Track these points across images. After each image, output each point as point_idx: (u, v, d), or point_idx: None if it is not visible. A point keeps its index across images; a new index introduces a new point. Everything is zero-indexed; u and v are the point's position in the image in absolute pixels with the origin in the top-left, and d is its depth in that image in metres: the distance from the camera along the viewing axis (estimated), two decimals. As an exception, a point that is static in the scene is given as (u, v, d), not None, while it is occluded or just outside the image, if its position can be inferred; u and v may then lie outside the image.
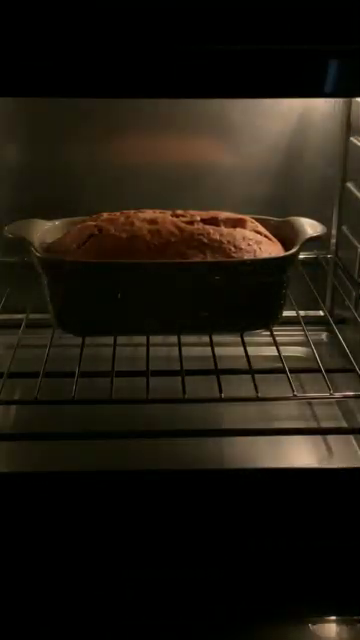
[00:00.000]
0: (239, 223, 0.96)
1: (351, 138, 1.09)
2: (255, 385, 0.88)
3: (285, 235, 0.98)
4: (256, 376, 0.89)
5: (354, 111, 1.07)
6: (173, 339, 1.00)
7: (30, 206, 1.05)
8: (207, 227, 0.92)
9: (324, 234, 0.98)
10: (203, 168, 1.11)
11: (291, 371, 0.91)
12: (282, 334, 1.03)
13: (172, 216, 0.95)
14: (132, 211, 0.96)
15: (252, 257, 0.91)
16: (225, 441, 0.90)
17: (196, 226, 0.92)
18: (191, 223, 0.93)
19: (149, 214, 0.95)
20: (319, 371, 0.92)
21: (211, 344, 0.97)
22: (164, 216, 0.94)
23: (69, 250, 0.93)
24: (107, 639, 0.77)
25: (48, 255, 0.93)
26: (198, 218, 0.94)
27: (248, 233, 0.94)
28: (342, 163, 1.11)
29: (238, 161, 1.11)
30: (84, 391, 0.88)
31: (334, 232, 1.16)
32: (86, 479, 0.83)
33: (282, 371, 0.91)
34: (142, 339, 0.99)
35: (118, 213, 0.96)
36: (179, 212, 0.96)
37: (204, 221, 0.94)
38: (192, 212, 0.96)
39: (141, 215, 0.95)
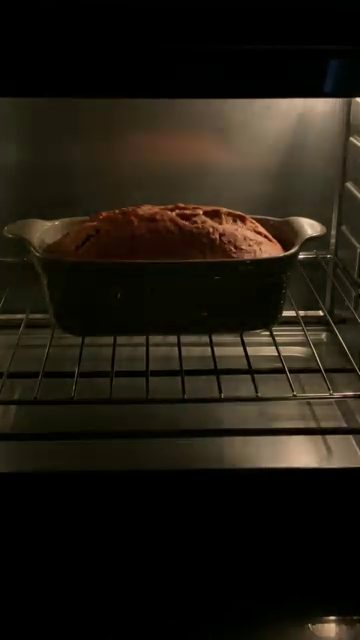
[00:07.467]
0: (240, 217, 0.96)
1: (351, 138, 1.09)
2: (255, 385, 0.88)
3: (285, 235, 0.98)
4: (256, 376, 0.89)
5: (354, 111, 1.07)
6: (173, 339, 0.99)
7: (30, 206, 1.05)
8: (207, 226, 0.92)
9: (324, 234, 0.98)
10: (203, 168, 1.11)
11: (291, 371, 0.91)
12: (282, 334, 1.03)
13: (174, 210, 0.95)
14: (130, 208, 0.95)
15: (252, 257, 0.91)
16: (225, 441, 0.90)
17: (196, 224, 0.92)
18: (193, 216, 0.93)
19: (148, 210, 0.94)
20: (319, 371, 0.92)
21: (211, 344, 0.97)
22: (163, 213, 0.93)
23: (68, 251, 0.93)
24: (107, 639, 0.77)
25: (48, 255, 0.93)
26: (200, 212, 0.94)
27: (249, 233, 0.94)
28: (342, 163, 1.11)
29: (238, 161, 1.11)
30: (84, 391, 0.88)
31: (334, 232, 1.16)
32: (86, 479, 0.83)
33: (282, 371, 0.91)
34: (142, 339, 0.99)
35: (117, 210, 0.96)
36: (181, 205, 0.96)
37: (206, 214, 0.94)
38: (194, 205, 0.96)
39: (140, 212, 0.94)
